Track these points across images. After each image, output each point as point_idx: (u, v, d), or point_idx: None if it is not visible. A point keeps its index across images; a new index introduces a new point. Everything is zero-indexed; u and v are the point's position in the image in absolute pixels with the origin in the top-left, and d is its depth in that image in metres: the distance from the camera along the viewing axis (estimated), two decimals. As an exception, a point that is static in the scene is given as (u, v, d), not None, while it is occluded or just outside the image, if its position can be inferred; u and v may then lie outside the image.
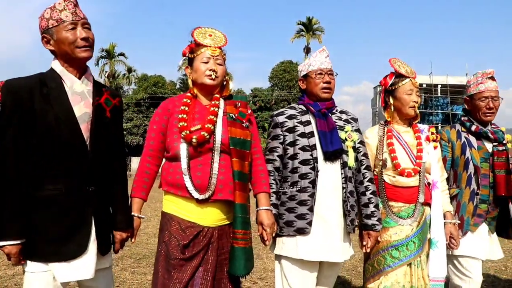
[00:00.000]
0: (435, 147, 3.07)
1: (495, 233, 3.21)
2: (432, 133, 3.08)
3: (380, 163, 2.97)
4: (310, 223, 2.66)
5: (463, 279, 3.10)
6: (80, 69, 2.34)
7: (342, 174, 2.73)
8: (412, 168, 2.91)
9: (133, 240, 2.56)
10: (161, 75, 46.16)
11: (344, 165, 2.74)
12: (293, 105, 2.94)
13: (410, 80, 3.02)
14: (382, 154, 2.98)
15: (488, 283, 5.19)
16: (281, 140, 2.80)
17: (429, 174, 3.02)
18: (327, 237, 2.67)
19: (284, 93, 45.14)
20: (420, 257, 2.86)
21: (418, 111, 3.02)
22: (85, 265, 2.27)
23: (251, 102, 46.96)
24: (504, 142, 3.15)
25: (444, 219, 3.01)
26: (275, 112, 2.90)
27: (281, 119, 2.83)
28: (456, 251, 3.06)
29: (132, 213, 2.52)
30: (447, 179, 3.18)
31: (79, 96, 2.30)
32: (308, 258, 2.66)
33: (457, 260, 3.11)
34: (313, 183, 2.68)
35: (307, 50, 48.81)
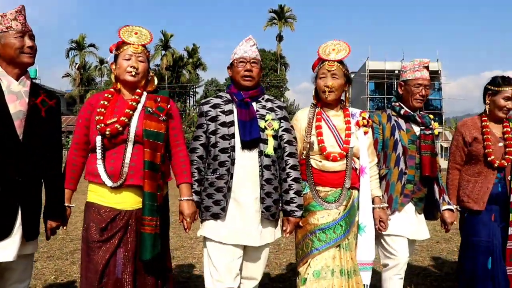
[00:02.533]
0: (365, 133, 3.06)
1: (422, 214, 3.26)
2: (363, 118, 3.06)
3: (308, 146, 2.96)
4: (223, 209, 2.75)
5: (389, 257, 3.15)
6: (20, 71, 2.59)
7: (259, 162, 2.78)
8: (339, 152, 2.91)
9: (64, 228, 2.79)
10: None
11: (260, 153, 2.79)
12: (221, 93, 2.99)
13: (324, 63, 2.99)
14: (310, 137, 2.96)
15: (438, 263, 5.26)
16: (205, 129, 2.88)
17: (358, 159, 3.02)
18: (243, 222, 2.76)
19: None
20: (348, 239, 2.89)
21: (333, 95, 2.95)
22: (7, 248, 2.46)
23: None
24: (431, 126, 3.25)
25: (373, 204, 3.04)
26: (202, 101, 3.00)
27: (205, 108, 2.90)
28: (381, 232, 3.10)
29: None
30: (380, 160, 3.21)
31: (15, 95, 2.54)
32: (225, 241, 2.75)
33: (384, 239, 3.15)
34: (229, 171, 2.76)
35: (280, 38, 48.87)
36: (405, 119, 3.24)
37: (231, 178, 2.76)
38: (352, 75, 45.87)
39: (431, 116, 3.33)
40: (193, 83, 52.84)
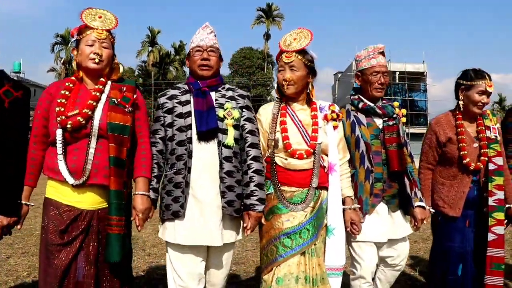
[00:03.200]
0: (335, 127, 2.86)
1: (398, 211, 3.02)
2: (333, 112, 2.87)
3: (273, 143, 2.78)
4: (182, 206, 2.60)
5: (355, 264, 2.99)
6: None
7: (218, 153, 2.64)
8: (305, 149, 2.73)
9: (18, 226, 2.56)
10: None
11: (219, 144, 2.64)
12: (179, 84, 2.86)
13: (283, 55, 2.82)
14: (275, 133, 2.78)
15: (414, 262, 5.28)
16: (162, 122, 2.75)
17: (327, 156, 2.83)
18: (203, 220, 2.59)
19: (244, 80, 44.96)
20: (315, 244, 2.70)
21: (292, 89, 2.79)
22: None
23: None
24: (395, 116, 3.04)
25: (344, 204, 2.85)
26: (160, 93, 2.85)
27: (162, 100, 2.77)
28: (349, 238, 2.94)
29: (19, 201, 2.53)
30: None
31: None
32: (183, 242, 2.60)
33: (351, 246, 2.98)
34: (186, 164, 2.62)
35: (267, 37, 48.79)
36: (365, 113, 3.02)
37: (189, 172, 2.60)
38: (339, 75, 46.31)
39: (396, 104, 3.11)
40: (180, 80, 52.48)
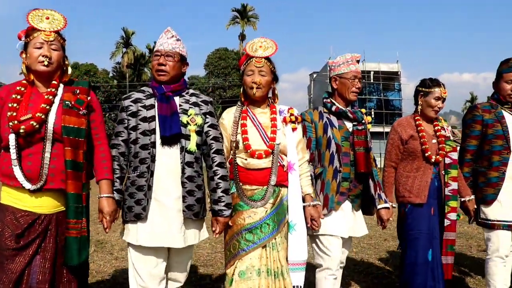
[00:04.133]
0: (293, 129, 3.01)
1: (360, 211, 3.29)
2: (291, 115, 3.01)
3: (234, 145, 2.91)
4: (144, 209, 2.63)
5: (322, 256, 3.11)
6: None
7: (180, 158, 2.68)
8: (264, 149, 2.86)
9: None
10: (93, 63, 44.76)
11: (182, 149, 2.69)
12: (144, 87, 2.88)
13: (252, 60, 2.93)
14: (236, 135, 2.91)
15: (383, 261, 5.34)
16: (126, 125, 2.75)
17: (286, 156, 2.97)
18: (165, 222, 2.64)
19: (220, 81, 44.93)
20: (275, 239, 2.83)
21: (260, 92, 2.90)
22: None
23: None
24: (363, 121, 3.26)
25: (304, 201, 2.98)
26: (124, 96, 2.86)
27: (126, 103, 2.78)
28: (316, 231, 3.07)
29: None
30: (314, 159, 3.20)
31: None
32: (146, 244, 2.63)
33: (318, 238, 3.12)
34: (149, 168, 2.66)
35: (242, 37, 48.79)
36: (337, 116, 3.22)
37: (151, 176, 2.64)
38: (314, 75, 46.68)
39: (363, 111, 3.34)
40: (155, 81, 51.97)
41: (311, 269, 3.23)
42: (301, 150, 3.06)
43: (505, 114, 3.57)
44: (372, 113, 47.30)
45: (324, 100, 3.31)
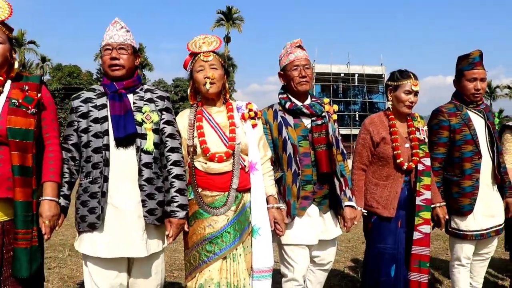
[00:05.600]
0: (253, 125, 2.80)
1: (329, 212, 3.01)
2: (250, 110, 2.81)
3: (192, 149, 2.69)
4: (99, 217, 2.44)
5: (287, 267, 2.95)
6: None
7: (137, 160, 2.50)
8: (225, 151, 2.65)
9: None
10: (77, 65, 44.30)
11: (138, 150, 2.51)
12: (94, 86, 2.71)
13: (199, 55, 2.74)
14: (193, 139, 2.70)
15: (359, 264, 5.31)
16: (76, 127, 2.55)
17: (247, 155, 2.77)
18: (125, 230, 2.46)
19: (205, 83, 44.67)
20: (236, 249, 2.63)
21: (215, 87, 2.71)
22: None
23: (172, 92, 46.16)
24: (323, 114, 3.00)
25: (268, 203, 2.78)
26: (73, 96, 2.64)
27: (75, 103, 2.57)
28: (281, 240, 2.91)
29: None
30: (274, 163, 2.98)
31: None
32: (104, 255, 2.44)
33: (283, 248, 2.94)
34: (102, 173, 2.45)
35: (227, 40, 48.69)
36: (293, 114, 2.97)
37: (106, 181, 2.44)
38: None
39: (326, 100, 3.09)
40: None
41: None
42: (263, 147, 2.86)
43: (472, 115, 3.33)
44: (357, 115, 47.62)
45: (280, 96, 3.06)
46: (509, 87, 56.62)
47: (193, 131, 2.71)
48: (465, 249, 3.32)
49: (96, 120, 2.51)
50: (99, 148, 2.48)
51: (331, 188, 2.98)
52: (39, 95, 2.39)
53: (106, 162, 2.45)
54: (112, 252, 2.43)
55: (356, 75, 46.87)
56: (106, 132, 2.49)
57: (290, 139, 2.90)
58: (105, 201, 2.45)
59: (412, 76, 3.14)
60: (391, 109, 3.24)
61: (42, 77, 2.59)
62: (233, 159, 2.69)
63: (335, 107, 3.12)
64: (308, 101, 3.03)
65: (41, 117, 2.43)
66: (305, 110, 2.95)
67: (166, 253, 5.68)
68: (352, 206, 3.03)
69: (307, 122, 2.98)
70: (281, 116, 2.97)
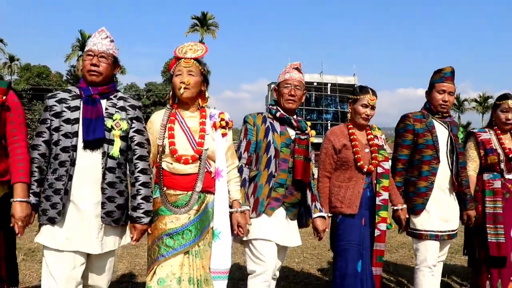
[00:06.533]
0: (223, 135, 2.94)
1: (295, 221, 3.21)
2: (222, 120, 2.94)
3: (161, 149, 2.82)
4: (59, 213, 2.55)
5: (256, 262, 3.01)
6: None
7: (102, 164, 2.62)
8: (191, 155, 2.78)
9: None
10: (46, 65, 43.53)
11: (104, 154, 2.63)
12: (70, 87, 2.80)
13: (181, 61, 2.86)
14: (163, 139, 2.82)
15: (324, 272, 5.26)
16: (48, 125, 2.66)
17: (214, 162, 2.91)
18: (82, 227, 2.58)
19: (178, 88, 44.42)
20: (198, 246, 2.76)
21: (189, 92, 2.82)
22: None
23: (145, 97, 45.84)
24: (307, 132, 3.23)
25: (232, 207, 2.92)
26: (48, 94, 2.76)
27: (50, 102, 2.68)
28: (250, 235, 3.00)
29: None
30: (251, 162, 3.16)
31: None
32: (62, 248, 2.55)
33: (251, 243, 3.03)
34: (68, 172, 2.57)
35: (201, 45, 48.58)
36: (281, 122, 3.19)
37: (70, 180, 2.56)
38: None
39: (308, 123, 3.32)
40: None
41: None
42: (231, 156, 3.00)
43: (436, 124, 3.59)
44: (329, 125, 48.08)
45: (270, 106, 3.29)
46: (476, 101, 58.28)
47: (165, 131, 2.83)
48: (430, 249, 3.47)
49: (68, 121, 2.63)
50: (67, 147, 2.59)
51: (302, 198, 3.18)
52: (4, 97, 2.54)
53: (73, 162, 2.58)
54: (70, 245, 2.55)
55: (329, 85, 47.38)
56: (75, 134, 2.61)
57: (274, 143, 3.11)
58: (67, 198, 2.57)
59: (370, 92, 3.40)
60: (349, 121, 3.50)
61: (11, 84, 2.80)
62: (200, 163, 2.81)
63: (313, 132, 3.33)
64: (295, 117, 3.26)
65: (9, 120, 2.59)
66: (293, 122, 3.19)
67: (127, 258, 5.56)
68: (323, 217, 3.21)
69: (292, 133, 3.19)
70: (270, 122, 3.19)
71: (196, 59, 2.87)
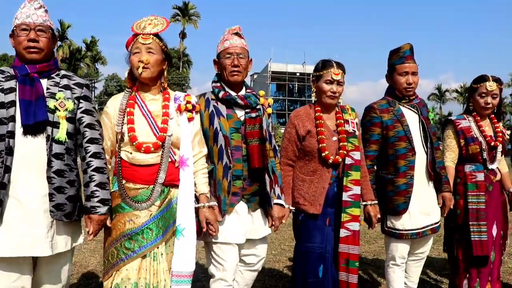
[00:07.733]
0: (190, 119, 2.63)
1: (258, 210, 2.86)
2: (188, 102, 2.64)
3: (119, 137, 2.52)
4: None
5: (217, 266, 2.76)
6: None
7: (47, 150, 2.29)
8: (153, 142, 2.49)
9: None
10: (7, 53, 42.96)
11: (49, 139, 2.30)
12: (3, 68, 2.44)
13: (139, 37, 2.55)
14: (122, 126, 2.52)
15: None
16: None
17: (179, 149, 2.61)
18: (27, 226, 2.23)
19: (159, 78, 44.16)
20: (158, 247, 2.49)
21: (148, 72, 2.53)
22: None
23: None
24: (258, 107, 2.84)
25: (198, 202, 2.63)
26: None
27: None
28: (210, 237, 2.73)
29: None
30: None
31: None
32: (3, 254, 2.19)
33: (211, 247, 2.76)
34: (4, 163, 2.21)
35: (183, 35, 48.20)
36: (226, 103, 2.80)
37: (8, 171, 2.22)
38: (255, 76, 46.87)
39: (262, 93, 2.93)
40: (92, 77, 50.48)
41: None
42: (198, 143, 2.69)
43: (404, 111, 3.24)
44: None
45: (213, 84, 2.88)
46: (457, 91, 58.75)
47: (123, 117, 2.54)
48: (400, 249, 3.24)
49: (2, 105, 2.28)
50: (2, 135, 2.24)
51: (261, 185, 2.83)
52: None
53: (9, 151, 2.23)
54: (11, 250, 2.19)
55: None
56: (12, 118, 2.26)
57: (222, 130, 2.73)
58: (6, 193, 2.22)
59: (335, 65, 2.98)
60: (315, 102, 3.09)
61: None
62: (162, 152, 2.53)
63: (270, 100, 2.98)
64: (242, 92, 2.86)
65: None
66: (239, 101, 2.79)
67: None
68: (280, 204, 2.87)
69: (240, 113, 2.82)
70: (214, 105, 2.79)
71: (156, 35, 2.57)
